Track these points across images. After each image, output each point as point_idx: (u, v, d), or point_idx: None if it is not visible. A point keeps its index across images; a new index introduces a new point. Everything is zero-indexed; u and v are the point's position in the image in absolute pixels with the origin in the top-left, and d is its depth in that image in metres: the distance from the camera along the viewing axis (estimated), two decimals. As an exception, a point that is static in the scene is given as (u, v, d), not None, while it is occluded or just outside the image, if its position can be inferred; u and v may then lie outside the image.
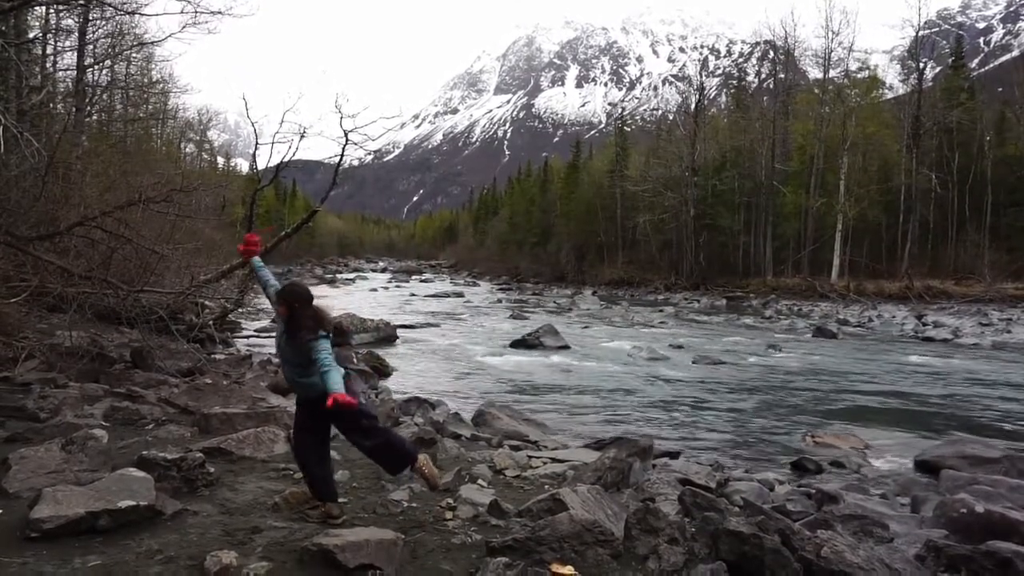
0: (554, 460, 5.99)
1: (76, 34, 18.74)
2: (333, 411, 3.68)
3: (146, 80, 28.25)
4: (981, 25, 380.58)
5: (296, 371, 3.88)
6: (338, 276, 56.39)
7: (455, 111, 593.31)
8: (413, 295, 37.37)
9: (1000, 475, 6.18)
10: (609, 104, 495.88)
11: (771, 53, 53.12)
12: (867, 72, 45.44)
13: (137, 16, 16.99)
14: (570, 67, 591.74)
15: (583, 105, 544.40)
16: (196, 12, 12.02)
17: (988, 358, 16.60)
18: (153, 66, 28.89)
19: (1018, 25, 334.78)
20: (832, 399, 11.24)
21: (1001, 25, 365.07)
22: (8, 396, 6.58)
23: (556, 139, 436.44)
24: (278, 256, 50.01)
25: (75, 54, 19.13)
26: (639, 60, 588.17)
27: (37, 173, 9.27)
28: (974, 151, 40.53)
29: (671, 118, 60.25)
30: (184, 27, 13.58)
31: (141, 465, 4.26)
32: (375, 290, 42.14)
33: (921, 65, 41.53)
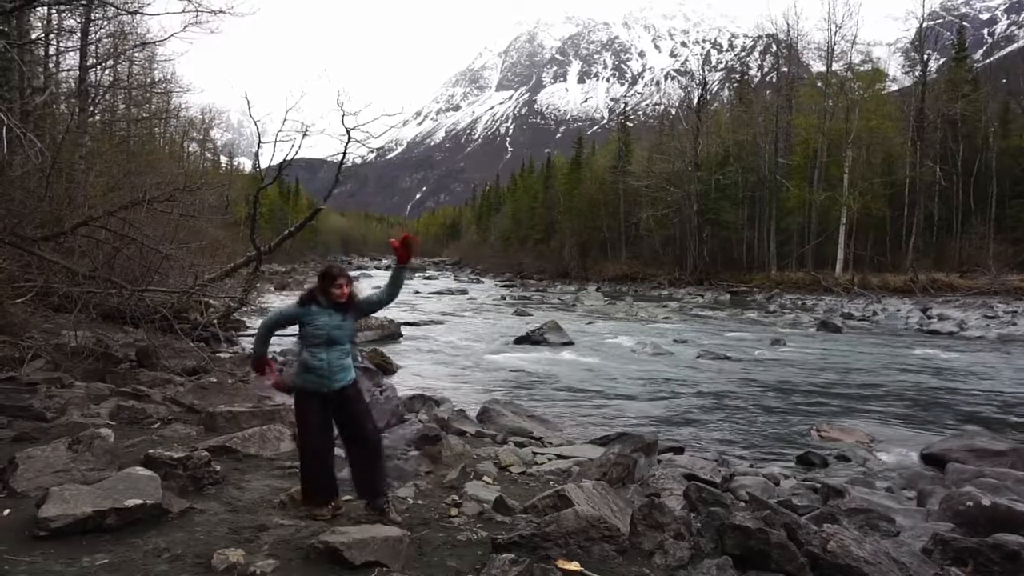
0: (559, 456, 6.00)
1: (78, 34, 18.75)
2: (360, 396, 3.90)
3: (149, 80, 28.28)
4: (985, 16, 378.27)
5: (341, 353, 3.86)
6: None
7: (457, 108, 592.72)
8: (417, 292, 37.39)
9: (1007, 468, 6.17)
10: (611, 100, 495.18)
11: (773, 47, 52.96)
12: (870, 65, 45.23)
13: (139, 16, 16.99)
14: (572, 63, 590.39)
15: (585, 101, 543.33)
16: (198, 11, 12.02)
17: (993, 351, 16.55)
18: (155, 66, 28.94)
19: (1022, 16, 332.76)
20: (837, 393, 11.22)
21: (1005, 16, 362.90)
22: (14, 396, 6.60)
23: (558, 135, 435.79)
24: (282, 255, 50.08)
25: (77, 54, 19.14)
26: (641, 55, 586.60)
27: (41, 174, 9.30)
28: (979, 143, 40.32)
29: (674, 113, 60.03)
30: (186, 26, 13.60)
31: (147, 464, 4.27)
32: (379, 288, 42.11)
33: (925, 57, 41.30)
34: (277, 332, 4.07)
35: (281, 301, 23.23)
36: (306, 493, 3.97)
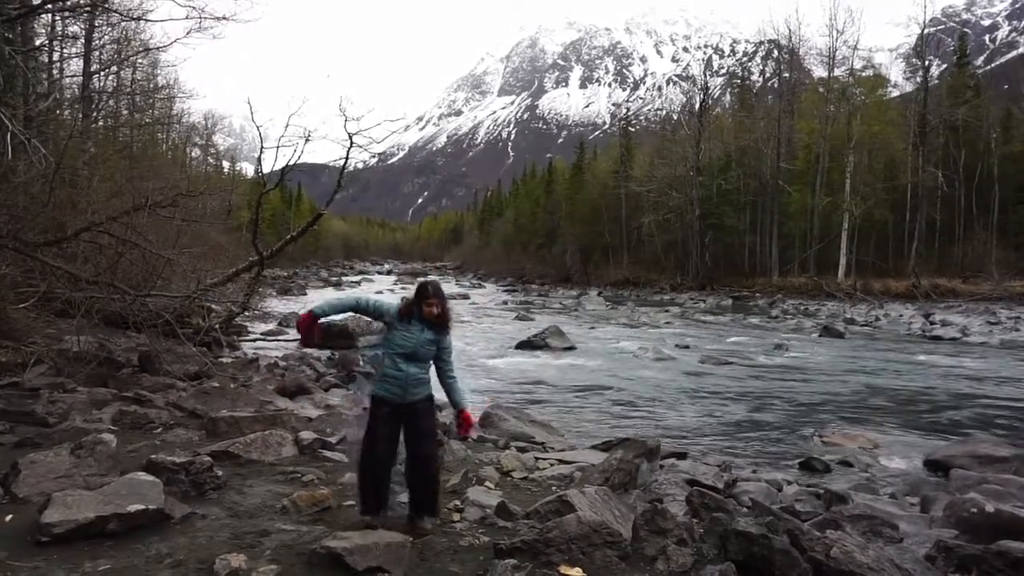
0: (561, 461, 5.98)
1: (82, 40, 18.88)
2: (432, 411, 4.01)
3: (152, 85, 28.41)
4: (986, 22, 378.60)
5: (421, 369, 3.93)
6: (343, 279, 56.47)
7: (459, 113, 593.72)
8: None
9: (1011, 474, 6.15)
10: (613, 105, 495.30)
11: (775, 52, 53.02)
12: (872, 70, 45.30)
13: (142, 22, 17.06)
14: (574, 68, 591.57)
15: (587, 106, 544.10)
16: (201, 18, 12.03)
17: (997, 357, 16.50)
18: (158, 71, 29.12)
19: (1023, 22, 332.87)
20: (840, 398, 11.19)
21: (1007, 22, 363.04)
22: (17, 401, 6.61)
23: (560, 140, 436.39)
24: (284, 260, 50.13)
25: (81, 60, 19.28)
26: (643, 60, 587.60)
27: (44, 179, 9.33)
28: (980, 148, 40.37)
29: (675, 118, 60.16)
30: (189, 32, 13.61)
31: (150, 469, 4.28)
32: (380, 292, 42.17)
33: (926, 63, 41.37)
34: (344, 314, 4.18)
35: (284, 306, 23.24)
36: (363, 500, 3.95)
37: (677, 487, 5.33)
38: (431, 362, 3.99)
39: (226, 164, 60.42)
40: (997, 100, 47.32)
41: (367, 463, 3.91)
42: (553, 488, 5.00)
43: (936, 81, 44.85)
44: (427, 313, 3.88)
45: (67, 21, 17.74)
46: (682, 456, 7.06)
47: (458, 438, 6.75)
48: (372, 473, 3.90)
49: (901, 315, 27.06)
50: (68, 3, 12.58)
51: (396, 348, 3.89)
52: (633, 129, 66.87)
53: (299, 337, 4.15)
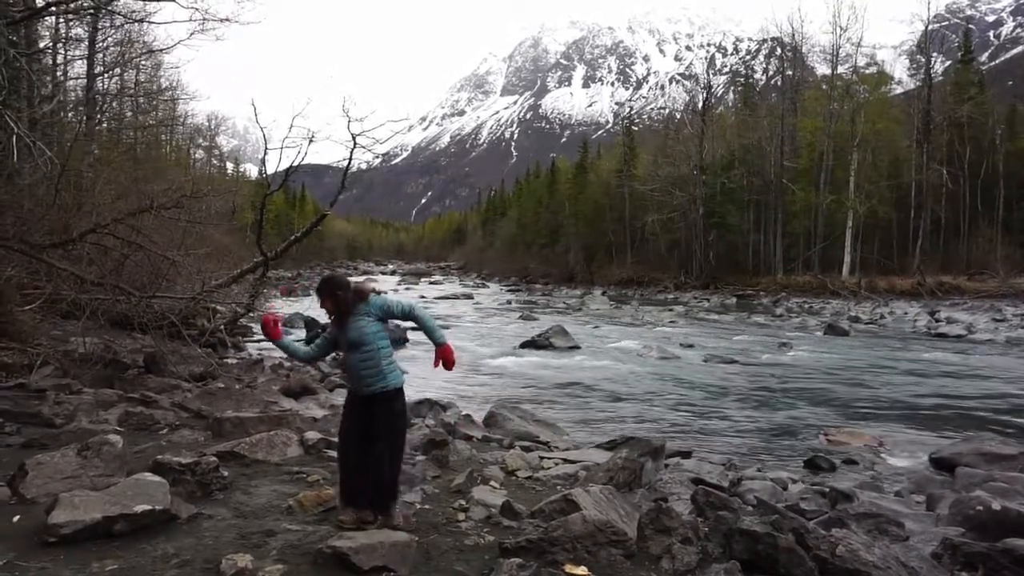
0: (566, 461, 5.99)
1: (86, 43, 18.97)
2: (392, 409, 3.87)
3: (155, 87, 28.45)
4: (991, 18, 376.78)
5: (365, 355, 3.89)
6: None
7: (462, 113, 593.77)
8: (423, 297, 37.45)
9: (1017, 472, 6.13)
10: (616, 104, 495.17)
11: (778, 50, 52.90)
12: (875, 67, 45.19)
13: (145, 24, 17.11)
14: (576, 67, 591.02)
15: (590, 105, 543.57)
16: (204, 19, 12.06)
17: (1002, 354, 16.45)
18: (162, 73, 29.17)
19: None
20: (845, 397, 11.17)
21: (1011, 18, 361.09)
22: (24, 402, 6.63)
23: (563, 140, 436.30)
24: (288, 261, 50.25)
25: (85, 63, 19.34)
26: (646, 59, 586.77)
27: (49, 181, 9.37)
28: (985, 145, 40.23)
29: (679, 117, 60.08)
30: (192, 34, 13.67)
31: (156, 470, 4.29)
32: (384, 292, 42.19)
33: (930, 59, 41.22)
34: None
35: (288, 307, 23.28)
36: (340, 493, 4.00)
37: (682, 486, 5.33)
38: (382, 344, 3.98)
39: (230, 165, 60.53)
40: (1002, 96, 47.23)
41: (337, 452, 4.08)
42: (558, 487, 5.00)
43: (940, 78, 44.67)
44: (327, 312, 4.02)
45: (71, 23, 17.83)
46: (687, 455, 7.06)
47: (462, 437, 6.77)
48: (340, 465, 3.99)
49: (906, 313, 26.99)
50: (72, 5, 12.61)
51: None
52: (636, 128, 66.78)
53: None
